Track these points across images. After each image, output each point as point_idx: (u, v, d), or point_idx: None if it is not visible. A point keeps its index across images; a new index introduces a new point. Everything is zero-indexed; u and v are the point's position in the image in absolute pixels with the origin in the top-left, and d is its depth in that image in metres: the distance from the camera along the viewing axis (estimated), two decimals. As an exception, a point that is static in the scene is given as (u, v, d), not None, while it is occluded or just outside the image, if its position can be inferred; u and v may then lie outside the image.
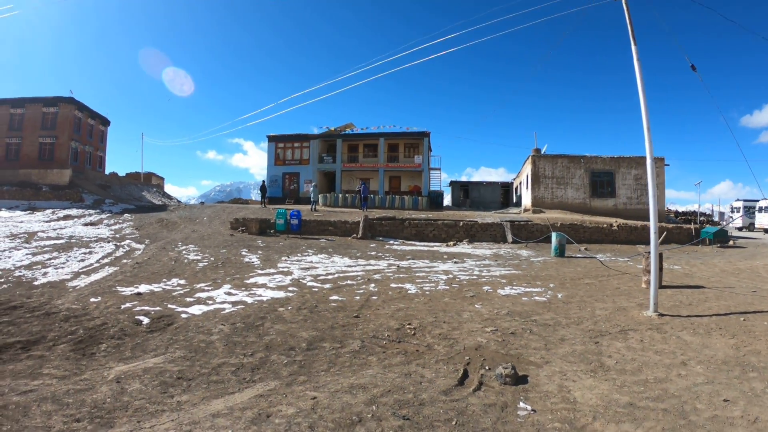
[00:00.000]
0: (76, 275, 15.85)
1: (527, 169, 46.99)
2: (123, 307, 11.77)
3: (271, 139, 55.66)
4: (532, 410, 6.16)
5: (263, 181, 47.67)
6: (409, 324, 10.41)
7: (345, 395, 6.45)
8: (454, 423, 5.71)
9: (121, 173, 71.08)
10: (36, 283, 14.61)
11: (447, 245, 27.49)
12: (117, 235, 26.06)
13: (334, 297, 13.25)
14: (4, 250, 20.56)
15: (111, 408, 6.20)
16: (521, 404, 6.33)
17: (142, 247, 22.24)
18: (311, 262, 19.54)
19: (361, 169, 54.18)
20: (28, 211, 39.12)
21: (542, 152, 46.73)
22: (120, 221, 32.63)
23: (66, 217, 35.13)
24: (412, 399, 6.35)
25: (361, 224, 29.48)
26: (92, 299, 12.52)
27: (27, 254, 19.66)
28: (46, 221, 33.32)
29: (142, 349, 8.82)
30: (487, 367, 7.70)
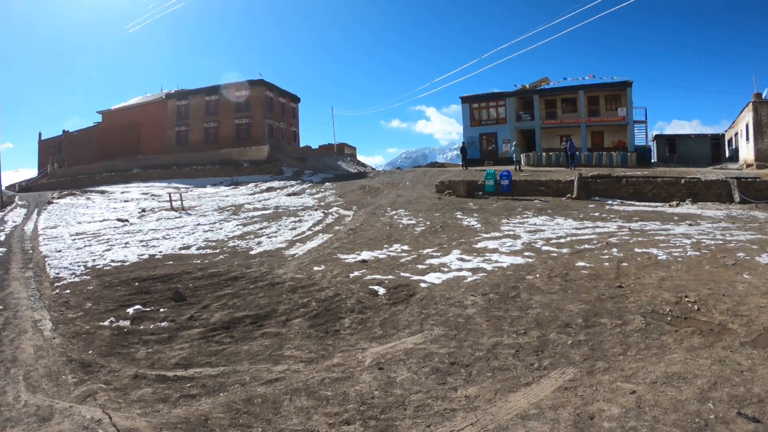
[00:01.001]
0: (291, 243, 15.04)
1: (746, 117, 40.61)
2: (351, 275, 10.61)
3: (465, 100, 53.37)
4: None
5: (463, 143, 45.79)
6: (686, 297, 8.36)
7: (667, 388, 5.06)
8: (811, 425, 4.23)
9: (314, 146, 72.47)
10: (252, 252, 13.96)
11: (670, 205, 24.25)
12: (322, 203, 25.60)
13: (580, 263, 11.24)
14: (215, 223, 20.65)
15: (383, 405, 4.91)
16: None
17: (350, 213, 21.31)
18: (535, 224, 17.53)
19: (560, 125, 50.73)
20: (231, 186, 40.66)
21: (764, 97, 40.16)
22: (322, 190, 32.45)
23: (269, 189, 35.89)
24: (745, 394, 4.85)
25: (575, 183, 26.93)
26: (315, 268, 11.48)
27: (237, 225, 19.48)
28: (250, 194, 34.24)
29: (393, 325, 7.45)
30: (805, 352, 5.90)
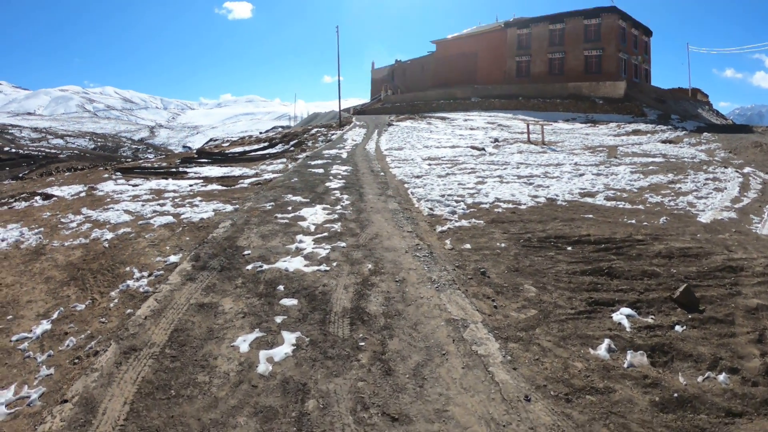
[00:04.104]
0: (744, 215, 10.29)
1: None
2: None
3: None
4: None
5: None
6: None
7: None
8: None
9: (663, 87, 64.49)
10: (700, 219, 9.72)
11: None
12: (715, 158, 19.95)
13: None
14: (598, 165, 17.44)
15: None
16: None
17: (780, 178, 15.48)
18: None
19: None
20: (588, 124, 36.75)
21: None
22: (702, 141, 26.53)
23: (635, 132, 31.34)
24: None
25: None
26: None
27: (633, 173, 15.60)
28: (615, 135, 30.17)
29: None
30: None
